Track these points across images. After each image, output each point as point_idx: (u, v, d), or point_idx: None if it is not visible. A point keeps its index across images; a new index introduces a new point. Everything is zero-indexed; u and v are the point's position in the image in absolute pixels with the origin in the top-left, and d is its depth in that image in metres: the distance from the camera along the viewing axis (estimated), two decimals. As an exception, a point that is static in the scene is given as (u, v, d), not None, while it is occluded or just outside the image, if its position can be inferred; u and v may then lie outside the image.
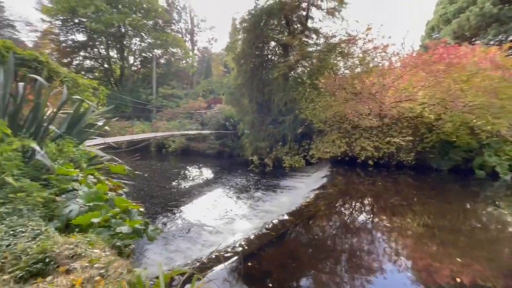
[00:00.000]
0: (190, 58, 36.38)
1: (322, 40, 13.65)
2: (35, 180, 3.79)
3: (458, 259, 4.71)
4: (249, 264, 4.47)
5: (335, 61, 13.07)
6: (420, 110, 11.48)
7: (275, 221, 5.86)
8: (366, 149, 11.77)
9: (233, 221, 6.64)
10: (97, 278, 1.86)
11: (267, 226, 5.63)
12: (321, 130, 13.38)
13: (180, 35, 37.74)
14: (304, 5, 13.62)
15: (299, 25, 14.21)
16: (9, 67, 5.02)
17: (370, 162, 11.70)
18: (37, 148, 4.22)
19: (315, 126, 13.23)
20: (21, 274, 1.90)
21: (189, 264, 4.38)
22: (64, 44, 30.06)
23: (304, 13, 13.86)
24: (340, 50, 12.55)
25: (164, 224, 6.59)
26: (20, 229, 2.44)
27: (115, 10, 26.91)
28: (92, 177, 4.44)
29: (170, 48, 33.97)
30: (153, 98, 27.86)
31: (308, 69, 13.88)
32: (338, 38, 12.74)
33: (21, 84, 4.90)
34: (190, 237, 5.74)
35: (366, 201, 8.65)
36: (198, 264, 4.22)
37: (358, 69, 12.62)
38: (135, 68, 35.44)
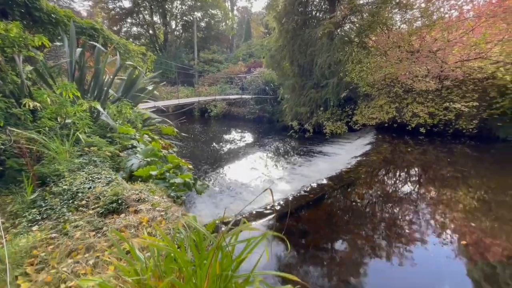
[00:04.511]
0: (230, 20, 35.31)
1: (376, -10, 11.94)
2: (101, 138, 4.39)
3: None
4: (287, 223, 4.72)
5: (390, 15, 11.46)
6: (493, 70, 9.74)
7: (313, 185, 5.95)
8: (419, 116, 10.69)
9: (272, 182, 6.93)
10: (159, 218, 2.20)
11: (305, 189, 5.77)
12: (368, 94, 12.40)
13: (219, -5, 36.43)
14: None
15: (349, -27, 12.51)
16: (72, 35, 5.53)
17: (422, 130, 10.69)
18: (101, 109, 4.79)
19: (361, 90, 12.29)
20: (102, 211, 2.35)
21: (231, 217, 4.82)
22: (113, 12, 31.53)
23: (357, -43, 12.05)
24: (397, 1, 10.89)
25: (209, 182, 7.19)
26: (96, 176, 2.93)
27: (156, -28, 26.75)
28: (147, 136, 4.95)
29: (210, 10, 33.26)
30: (195, 63, 28.40)
31: (358, 25, 12.48)
32: (396, -15, 10.98)
33: (82, 50, 5.41)
34: (232, 194, 6.20)
35: (412, 171, 8.14)
36: (239, 217, 4.62)
37: (418, 23, 10.94)
38: (177, 33, 35.93)
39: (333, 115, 12.72)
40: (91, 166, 3.18)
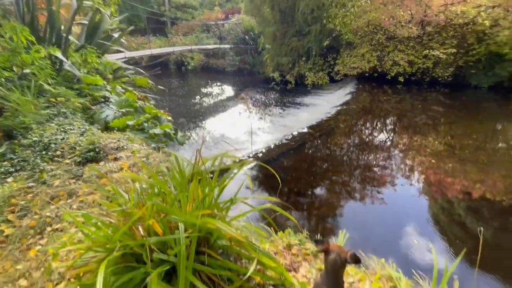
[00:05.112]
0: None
1: None
2: (69, 89, 4.05)
3: (473, 176, 4.77)
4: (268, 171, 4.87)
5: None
6: (474, 15, 9.65)
7: (294, 133, 6.08)
8: (399, 64, 10.73)
9: (254, 134, 6.98)
10: (140, 164, 2.19)
11: (286, 137, 5.89)
12: (350, 42, 12.07)
13: None
14: None
15: None
16: (12, -34, 4.64)
17: (401, 78, 10.85)
18: (63, 58, 4.33)
19: (343, 38, 11.90)
20: (79, 160, 2.28)
21: (215, 166, 4.92)
22: None
23: None
24: None
25: (190, 135, 7.12)
26: (68, 127, 2.78)
27: None
28: (120, 87, 4.63)
29: None
30: (166, 9, 25.52)
31: (343, -38, 11.43)
32: None
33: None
34: (215, 146, 6.24)
35: (388, 120, 8.49)
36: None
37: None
38: (142, -28, 31.28)
39: (315, 65, 12.44)
40: (61, 118, 2.99)
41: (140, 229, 0.99)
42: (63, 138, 2.54)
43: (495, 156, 5.66)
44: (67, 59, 4.62)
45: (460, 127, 7.41)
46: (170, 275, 1.06)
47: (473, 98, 9.60)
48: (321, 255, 1.65)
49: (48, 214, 1.77)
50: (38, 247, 1.59)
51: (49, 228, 1.69)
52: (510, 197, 4.12)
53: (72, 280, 1.36)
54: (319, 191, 4.69)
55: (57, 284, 1.38)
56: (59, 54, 4.22)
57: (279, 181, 4.26)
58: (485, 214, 3.97)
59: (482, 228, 1.49)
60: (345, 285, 1.05)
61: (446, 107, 9.06)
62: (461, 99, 9.61)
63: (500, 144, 6.35)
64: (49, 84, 3.83)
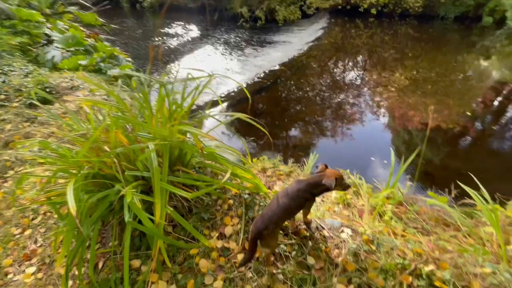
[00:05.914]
0: None
1: None
2: (-2, 27, 3.40)
3: (432, 107, 5.12)
4: (241, 108, 4.80)
5: None
6: None
7: (266, 71, 5.91)
8: (372, -7, 10.26)
9: (224, 76, 6.65)
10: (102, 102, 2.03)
11: (258, 76, 5.73)
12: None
13: None
14: None
15: None
16: None
17: (373, 11, 10.49)
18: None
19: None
20: (29, 102, 2.05)
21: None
22: None
23: None
24: None
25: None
26: (7, 69, 2.41)
27: None
28: (62, 24, 3.98)
29: None
30: None
31: None
32: None
33: None
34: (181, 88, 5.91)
35: (359, 57, 8.44)
36: (195, 107, 4.58)
37: None
38: None
39: (286, -3, 11.46)
40: (-5, 59, 2.56)
41: (106, 148, 0.95)
42: (4, 81, 2.22)
43: (452, 87, 6.03)
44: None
45: (425, 60, 7.61)
46: (148, 194, 1.09)
47: (439, 30, 9.71)
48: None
49: (6, 158, 1.65)
50: (4, 189, 1.52)
51: (11, 172, 1.60)
52: (460, 124, 4.54)
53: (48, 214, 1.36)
54: (293, 132, 4.79)
55: (33, 219, 1.37)
56: (-28, -19, 3.40)
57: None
58: (438, 141, 4.40)
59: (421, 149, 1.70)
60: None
61: (414, 41, 9.13)
62: (428, 32, 9.68)
63: (457, 76, 6.71)
64: (-31, 21, 3.17)
